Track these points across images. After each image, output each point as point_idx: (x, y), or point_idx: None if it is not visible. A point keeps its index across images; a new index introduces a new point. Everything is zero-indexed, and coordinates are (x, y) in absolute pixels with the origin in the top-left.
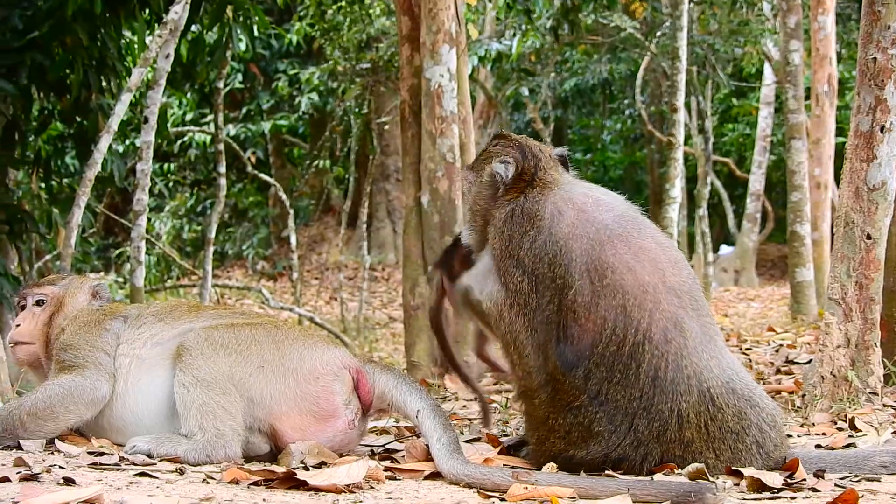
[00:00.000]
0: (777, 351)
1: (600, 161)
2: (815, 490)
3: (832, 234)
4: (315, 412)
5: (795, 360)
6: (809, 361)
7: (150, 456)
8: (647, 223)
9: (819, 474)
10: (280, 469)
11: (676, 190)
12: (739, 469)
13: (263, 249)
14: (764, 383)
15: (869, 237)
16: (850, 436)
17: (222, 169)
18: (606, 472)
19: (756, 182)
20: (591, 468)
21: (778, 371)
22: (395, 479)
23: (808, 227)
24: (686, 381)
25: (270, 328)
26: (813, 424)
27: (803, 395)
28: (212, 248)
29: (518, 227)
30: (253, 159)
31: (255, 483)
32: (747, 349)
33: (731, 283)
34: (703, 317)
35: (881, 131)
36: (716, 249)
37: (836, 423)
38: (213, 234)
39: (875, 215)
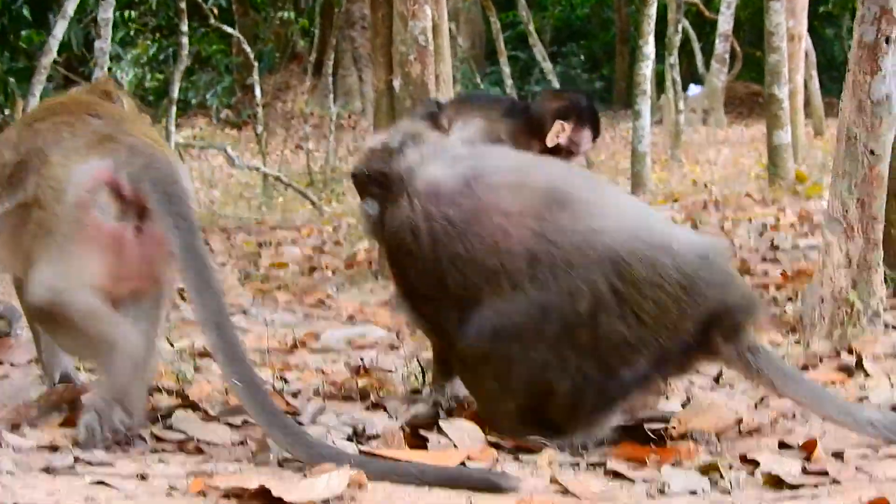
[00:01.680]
0: (761, 234)
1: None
2: (836, 482)
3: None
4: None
5: (780, 247)
6: (794, 247)
7: None
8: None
9: (839, 455)
10: (251, 484)
11: (650, 47)
12: (754, 457)
13: (227, 98)
14: (750, 275)
15: (872, 153)
16: (861, 386)
17: (185, 27)
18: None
19: (725, 23)
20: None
21: (763, 259)
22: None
23: (786, 89)
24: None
25: None
26: (819, 360)
27: (801, 318)
28: (174, 107)
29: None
30: (216, 10)
31: (225, 496)
32: (728, 232)
33: (699, 123)
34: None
35: (886, 42)
36: (685, 89)
37: (838, 354)
38: (175, 94)
39: (879, 130)
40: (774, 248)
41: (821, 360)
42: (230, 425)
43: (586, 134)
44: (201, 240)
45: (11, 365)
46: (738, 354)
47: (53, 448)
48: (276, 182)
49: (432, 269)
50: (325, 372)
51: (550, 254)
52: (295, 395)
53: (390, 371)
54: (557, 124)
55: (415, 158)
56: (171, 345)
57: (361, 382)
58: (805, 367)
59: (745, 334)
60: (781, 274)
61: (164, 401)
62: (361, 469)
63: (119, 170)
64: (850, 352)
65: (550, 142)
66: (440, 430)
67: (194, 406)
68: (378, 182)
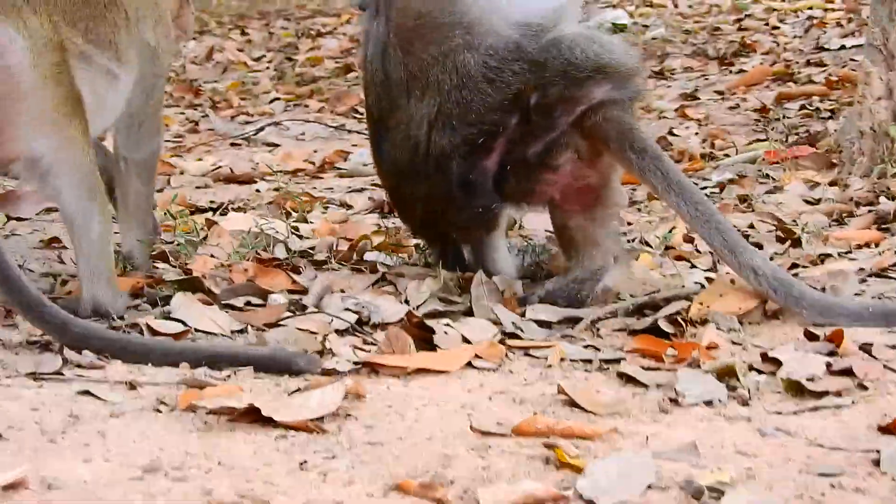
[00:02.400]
0: (806, 31)
1: None
2: (862, 387)
3: None
4: None
5: (826, 46)
6: (841, 48)
7: None
8: None
9: (867, 348)
10: (240, 403)
11: None
12: (776, 356)
13: None
14: (794, 80)
15: None
16: None
17: None
18: None
19: None
20: None
21: (808, 62)
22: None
23: None
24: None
25: None
26: (856, 206)
27: (840, 151)
28: None
29: None
30: None
31: (213, 413)
32: (775, 28)
33: None
34: None
35: None
36: None
37: (877, 198)
38: None
39: None
40: (819, 48)
41: (857, 206)
42: (231, 307)
43: None
44: None
45: (18, 220)
46: (618, 148)
47: (44, 346)
48: None
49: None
50: (348, 204)
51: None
52: (306, 254)
53: None
54: None
55: None
56: (173, 217)
57: (376, 240)
58: (840, 220)
59: (623, 122)
60: (825, 81)
61: (168, 273)
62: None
63: None
64: (891, 197)
65: None
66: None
67: (196, 284)
68: None
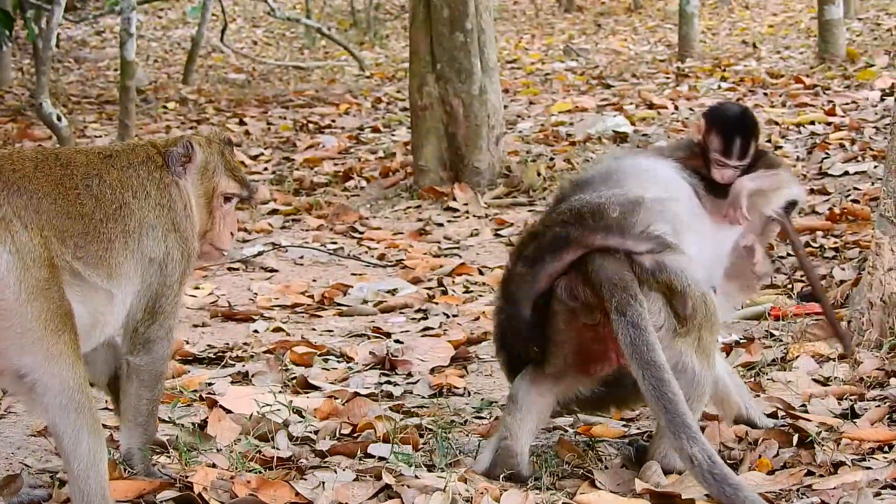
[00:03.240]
0: (809, 153)
1: None
2: None
3: None
4: None
5: (829, 172)
6: (844, 174)
7: None
8: None
9: None
10: None
11: None
12: None
13: None
14: (798, 211)
15: None
16: None
17: None
18: None
19: None
20: None
21: (812, 190)
22: None
23: None
24: None
25: None
26: (866, 388)
27: (849, 322)
28: None
29: None
30: None
31: None
32: (777, 147)
33: None
34: None
35: None
36: None
37: (888, 378)
38: None
39: None
40: (822, 173)
41: (868, 389)
42: None
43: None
44: None
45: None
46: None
47: None
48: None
49: None
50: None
51: None
52: (307, 441)
53: (413, 381)
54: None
55: None
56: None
57: (381, 428)
58: (852, 411)
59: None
60: (829, 213)
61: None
62: None
63: None
64: None
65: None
66: None
67: (195, 502)
68: None
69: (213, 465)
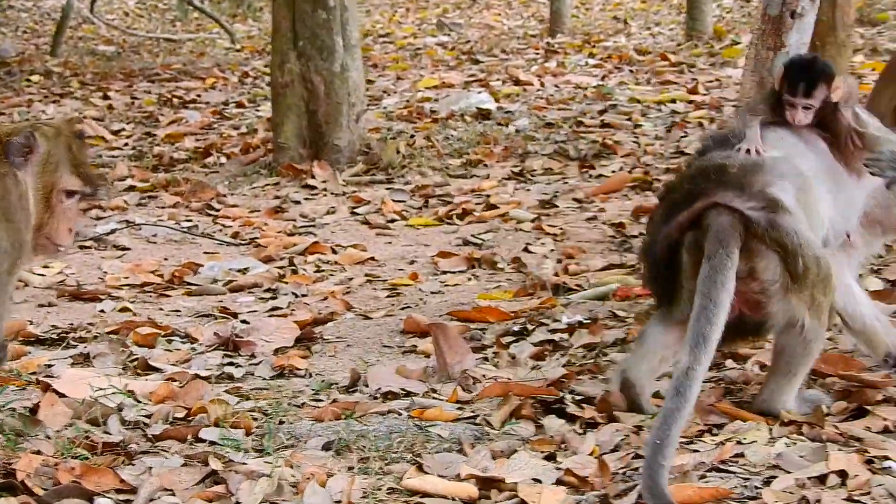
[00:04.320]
0: (668, 131)
1: None
2: None
3: None
4: None
5: (686, 151)
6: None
7: None
8: None
9: None
10: None
11: None
12: None
13: None
14: (652, 188)
15: None
16: None
17: None
18: None
19: None
20: None
21: (667, 169)
22: None
23: None
24: None
25: None
26: None
27: None
28: None
29: None
30: None
31: None
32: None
33: None
34: None
35: (791, 17)
36: None
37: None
38: None
39: None
40: (679, 152)
41: None
42: None
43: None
44: None
45: None
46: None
47: None
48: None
49: None
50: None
51: None
52: (140, 426)
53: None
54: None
55: None
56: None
57: (214, 412)
58: None
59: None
60: None
61: None
62: None
63: None
64: None
65: None
66: None
67: (16, 488)
68: None
69: (39, 452)
